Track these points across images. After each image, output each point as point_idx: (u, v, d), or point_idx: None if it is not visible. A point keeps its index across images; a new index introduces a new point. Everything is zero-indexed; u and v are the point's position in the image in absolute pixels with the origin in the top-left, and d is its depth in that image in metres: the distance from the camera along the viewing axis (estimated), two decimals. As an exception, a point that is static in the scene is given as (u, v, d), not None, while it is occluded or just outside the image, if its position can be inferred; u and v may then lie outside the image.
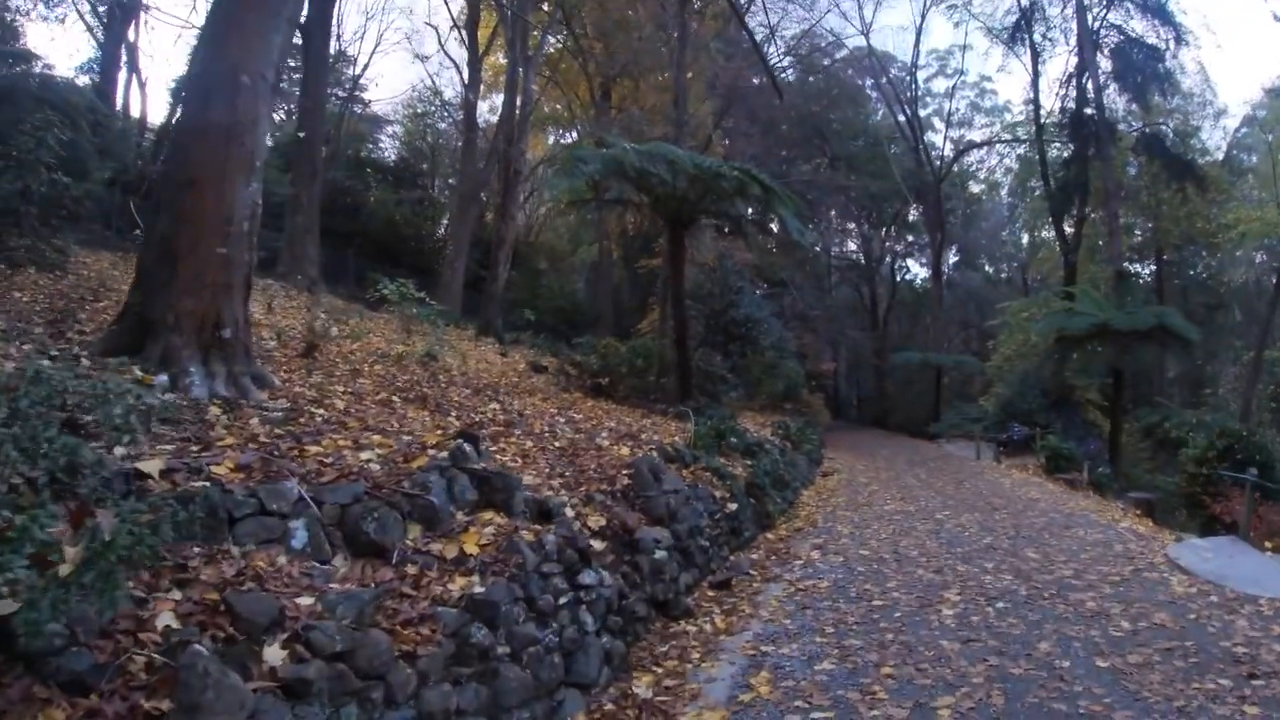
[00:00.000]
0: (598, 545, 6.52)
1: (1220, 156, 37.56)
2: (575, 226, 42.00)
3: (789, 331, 31.69)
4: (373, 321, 14.62)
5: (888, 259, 51.52)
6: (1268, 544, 10.31)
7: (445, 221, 35.39)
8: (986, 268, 56.75)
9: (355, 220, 28.33)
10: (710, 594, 8.18)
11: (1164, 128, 32.52)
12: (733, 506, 10.05)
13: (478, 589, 4.73)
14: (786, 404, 24.49)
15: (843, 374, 51.76)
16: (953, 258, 52.41)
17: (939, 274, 41.46)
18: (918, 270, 54.54)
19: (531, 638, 5.06)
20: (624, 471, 8.37)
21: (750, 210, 20.27)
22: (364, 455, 5.64)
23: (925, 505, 13.40)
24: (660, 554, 7.38)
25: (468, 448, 6.21)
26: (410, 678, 3.94)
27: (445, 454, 6.08)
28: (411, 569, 4.63)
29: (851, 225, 50.67)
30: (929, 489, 15.70)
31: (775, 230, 26.60)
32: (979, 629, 6.61)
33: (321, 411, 6.82)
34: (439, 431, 7.13)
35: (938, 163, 42.92)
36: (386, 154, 39.58)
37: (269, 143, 11.49)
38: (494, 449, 7.47)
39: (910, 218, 47.15)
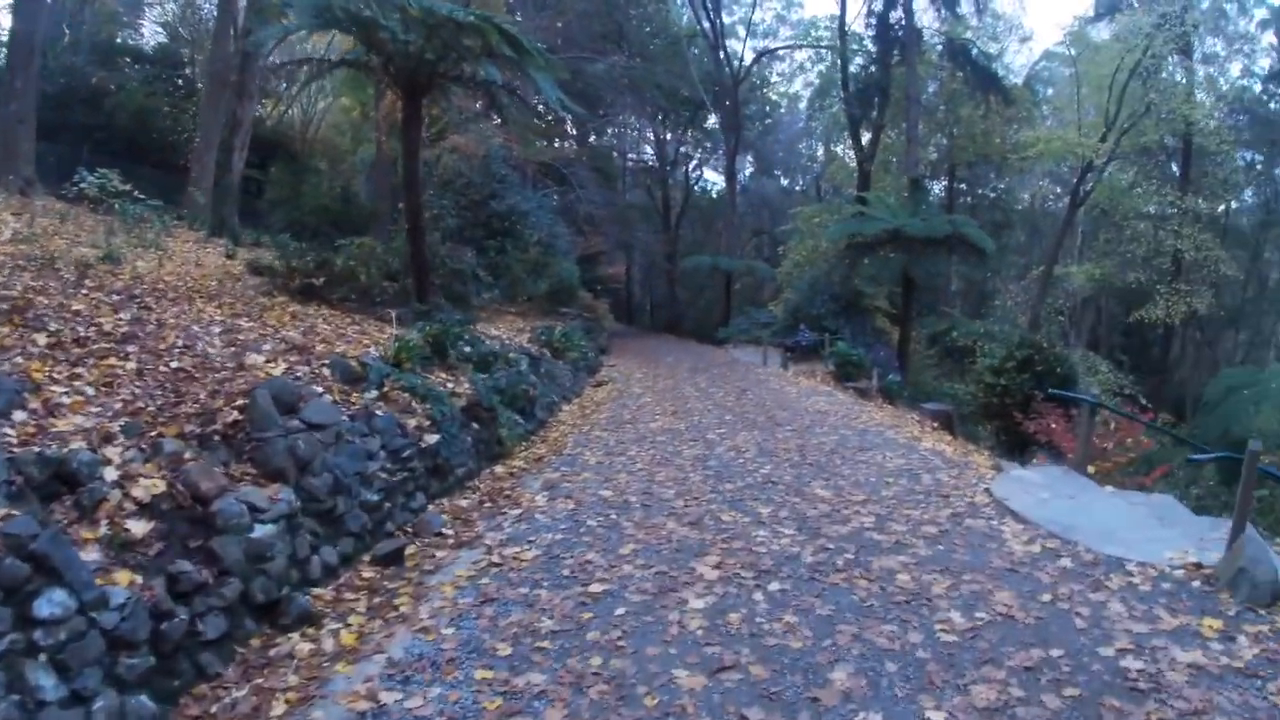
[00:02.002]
0: (138, 528, 4.03)
1: (1020, 82, 37.66)
2: (359, 122, 37.44)
3: (569, 230, 28.99)
4: (78, 224, 11.74)
5: (683, 164, 49.68)
6: (1091, 469, 8.68)
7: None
8: (782, 179, 56.26)
9: (98, 113, 24.10)
10: (366, 576, 5.37)
11: (971, 41, 31.78)
12: (433, 439, 7.17)
13: None
14: (562, 308, 21.84)
15: (636, 279, 49.76)
16: (749, 167, 51.46)
17: (733, 176, 39.77)
18: (714, 179, 53.30)
19: None
20: (235, 404, 5.35)
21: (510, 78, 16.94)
22: None
23: (699, 421, 11.14)
24: (264, 529, 4.64)
25: None
26: None
27: None
28: None
29: (649, 133, 48.28)
30: (707, 400, 13.51)
31: (542, 107, 23.36)
32: (739, 641, 4.17)
33: None
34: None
35: (737, 63, 41.07)
36: (146, 41, 33.36)
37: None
38: (63, 374, 5.19)
39: (708, 124, 45.44)
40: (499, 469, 8.39)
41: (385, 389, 7.25)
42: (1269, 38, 34.38)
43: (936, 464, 8.49)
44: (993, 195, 39.07)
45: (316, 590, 4.93)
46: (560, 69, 15.93)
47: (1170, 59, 27.39)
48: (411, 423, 7.02)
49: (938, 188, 37.52)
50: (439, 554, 5.75)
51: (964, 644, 4.10)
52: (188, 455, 4.68)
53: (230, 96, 20.52)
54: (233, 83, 20.54)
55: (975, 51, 30.99)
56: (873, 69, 31.09)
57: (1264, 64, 34.82)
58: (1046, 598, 4.73)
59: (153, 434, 4.78)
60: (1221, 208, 32.49)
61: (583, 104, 35.62)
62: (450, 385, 8.59)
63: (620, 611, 4.54)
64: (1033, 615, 4.48)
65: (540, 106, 21.16)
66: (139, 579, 3.78)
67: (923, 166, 32.61)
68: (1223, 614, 4.59)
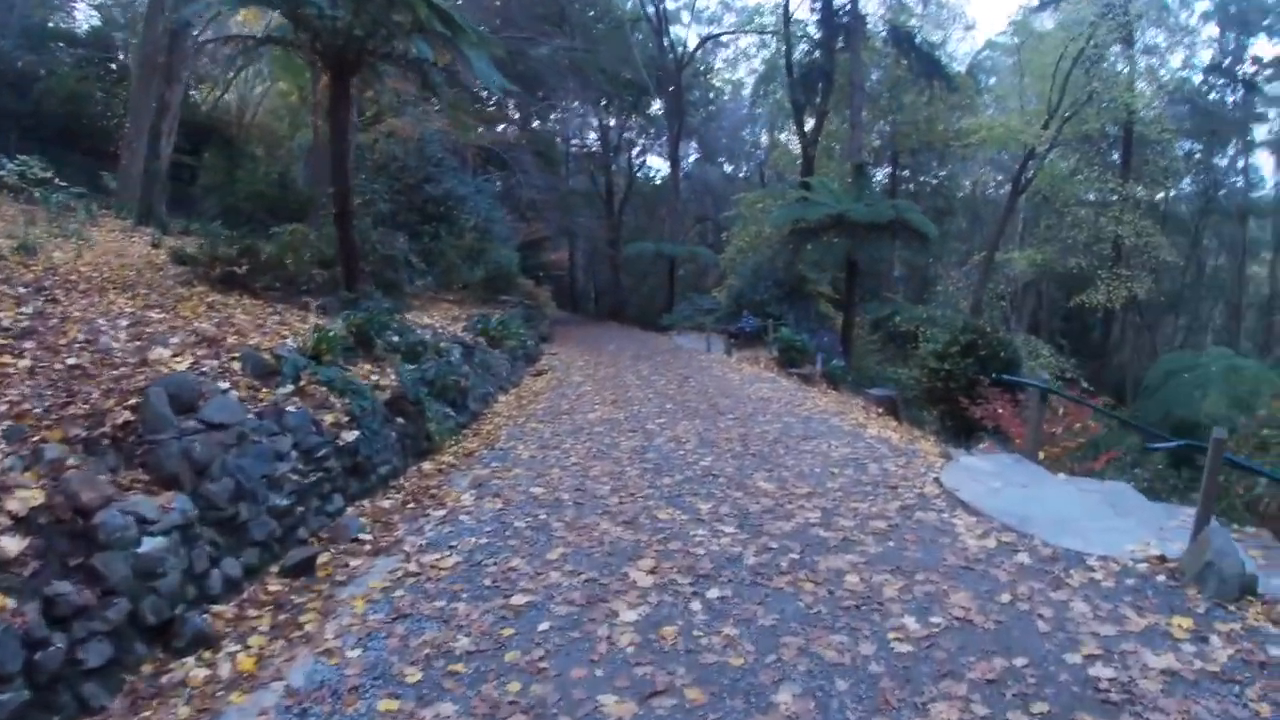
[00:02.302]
0: (12, 546, 3.54)
1: (963, 70, 37.78)
2: (296, 106, 36.21)
3: (511, 216, 28.33)
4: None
5: (626, 150, 49.10)
6: (1040, 454, 8.41)
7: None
8: (726, 166, 55.97)
9: (25, 99, 23.23)
10: (273, 590, 4.81)
11: (915, 28, 31.76)
12: (351, 436, 6.59)
13: None
14: (502, 295, 21.17)
15: (580, 266, 49.08)
16: (693, 153, 51.04)
17: (676, 162, 39.31)
18: (658, 165, 52.80)
19: None
20: (128, 404, 4.77)
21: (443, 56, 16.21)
22: None
23: (639, 411, 10.68)
24: (154, 543, 4.10)
25: None
26: None
27: None
28: None
29: (593, 118, 47.57)
30: (648, 388, 13.06)
31: (484, 92, 22.70)
32: (673, 660, 3.72)
33: None
34: None
35: (681, 49, 40.66)
36: (79, 24, 31.78)
37: None
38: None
39: (651, 110, 44.92)
40: (427, 465, 7.82)
41: (301, 383, 6.66)
42: (1210, 30, 35.16)
43: (883, 452, 8.13)
44: (935, 182, 39.19)
45: (217, 608, 4.39)
46: (495, 46, 15.31)
47: (1113, 49, 27.58)
48: (328, 419, 6.45)
49: (881, 174, 37.55)
50: (354, 562, 5.21)
51: (920, 654, 3.71)
52: (71, 462, 4.12)
53: (159, 80, 19.51)
54: (160, 65, 19.51)
55: (919, 38, 30.88)
56: (817, 55, 30.64)
57: (1205, 56, 35.56)
58: (1006, 598, 4.37)
59: (35, 439, 4.22)
60: (1161, 195, 32.91)
61: (525, 88, 34.92)
62: (375, 378, 8.02)
63: (544, 627, 4.07)
64: (992, 619, 4.11)
65: (481, 90, 20.54)
66: (11, 603, 3.27)
67: (866, 153, 32.51)
68: (1192, 611, 4.28)
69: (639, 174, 50.16)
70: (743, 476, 6.98)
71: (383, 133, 20.29)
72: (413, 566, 5.00)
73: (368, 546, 5.51)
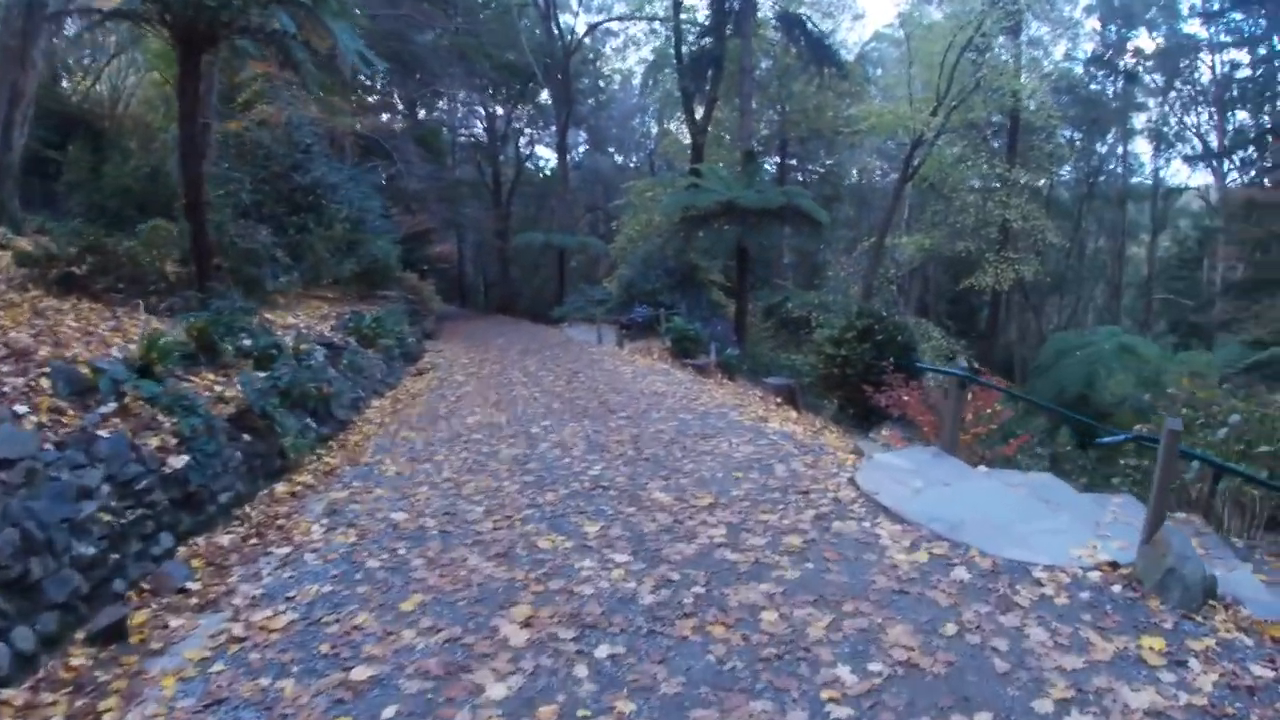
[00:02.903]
0: None
1: (852, 59, 38.01)
2: (171, 96, 33.67)
3: (394, 207, 26.92)
4: None
5: (514, 139, 47.86)
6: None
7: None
8: (616, 156, 55.40)
9: None
10: (76, 664, 3.74)
11: (805, 15, 31.52)
12: (180, 462, 5.45)
13: None
14: (381, 290, 19.84)
15: (469, 258, 47.42)
16: (583, 144, 50.33)
17: (564, 150, 38.33)
18: (547, 155, 51.78)
19: None
20: None
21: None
22: None
23: (523, 412, 9.73)
24: None
25: None
26: None
27: None
28: None
29: (479, 107, 46.16)
30: (535, 386, 12.12)
31: (364, 79, 21.27)
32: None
33: None
34: None
35: (570, 36, 39.69)
36: None
37: None
38: None
39: (540, 98, 43.87)
40: (280, 488, 6.68)
41: (125, 400, 5.51)
42: (1093, 23, 36.13)
43: (789, 450, 7.39)
44: (822, 170, 39.37)
45: (5, 693, 3.35)
46: (359, 19, 14.08)
47: (999, 39, 27.90)
48: (154, 443, 5.31)
49: (770, 164, 37.47)
50: (175, 622, 4.15)
51: (864, 718, 2.93)
52: None
53: (13, 66, 17.48)
54: (13, 49, 17.49)
55: (810, 24, 30.71)
56: (707, 41, 30.18)
57: (1088, 48, 36.52)
58: (951, 629, 3.65)
59: None
60: (1045, 181, 33.65)
61: (409, 74, 33.40)
62: (220, 389, 6.88)
63: (389, 714, 3.13)
64: (940, 660, 3.37)
65: (362, 77, 19.10)
66: None
67: (755, 141, 32.32)
68: (1160, 628, 3.72)
69: (527, 164, 49.09)
70: (636, 487, 6.14)
71: (254, 120, 18.67)
72: (239, 628, 3.98)
73: (194, 599, 4.45)
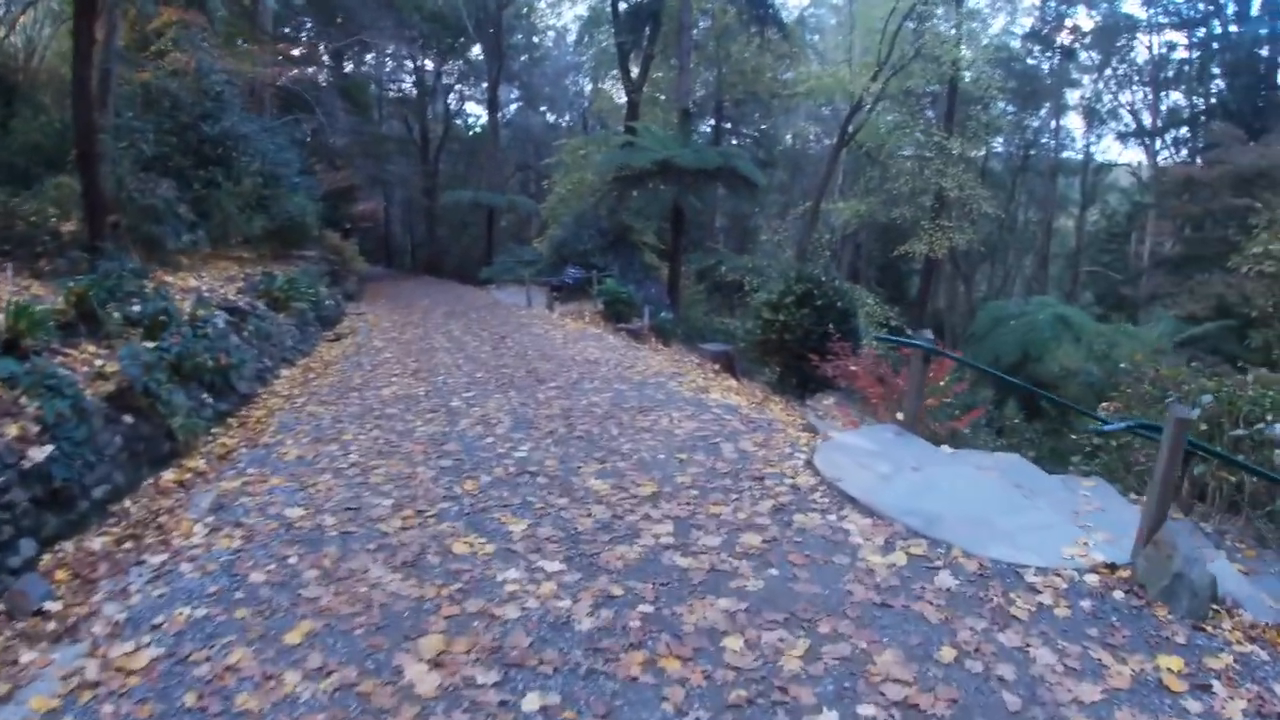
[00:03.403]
0: None
1: (791, 23, 37.61)
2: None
3: (317, 163, 25.62)
4: None
5: (444, 95, 46.23)
6: (900, 415, 7.36)
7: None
8: (549, 115, 54.19)
9: None
10: None
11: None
12: (41, 454, 4.55)
13: None
14: (299, 250, 18.64)
15: (396, 217, 45.90)
16: (515, 101, 48.95)
17: (495, 106, 37.04)
18: (477, 112, 50.21)
19: None
20: None
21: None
22: None
23: (444, 382, 8.93)
24: None
25: None
26: None
27: None
28: None
29: (408, 60, 44.40)
30: (459, 352, 11.31)
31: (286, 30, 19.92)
32: None
33: None
34: None
35: (503, -10, 38.31)
36: None
37: None
38: None
39: (471, 53, 42.41)
40: (167, 476, 5.74)
41: None
42: None
43: (735, 426, 6.77)
44: (757, 134, 38.96)
45: None
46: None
47: (940, 9, 27.76)
48: (11, 432, 4.42)
49: (705, 126, 36.94)
50: (25, 656, 3.33)
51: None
52: None
53: None
54: None
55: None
56: (644, -9, 29.32)
57: (1026, 22, 36.86)
58: (948, 654, 3.09)
59: None
60: (980, 152, 33.80)
61: (335, 25, 31.69)
62: (101, 363, 5.97)
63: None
64: (942, 698, 2.81)
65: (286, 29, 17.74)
66: None
67: (691, 103, 31.67)
68: (1173, 643, 3.28)
69: (457, 120, 47.65)
70: (568, 472, 5.44)
71: (166, 70, 17.17)
72: (93, 670, 3.18)
73: (53, 624, 3.63)
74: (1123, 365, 8.75)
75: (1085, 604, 3.57)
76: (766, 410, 8.20)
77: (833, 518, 4.53)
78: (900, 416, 7.45)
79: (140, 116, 16.07)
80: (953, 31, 28.53)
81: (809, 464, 5.51)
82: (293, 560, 4.12)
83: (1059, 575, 3.82)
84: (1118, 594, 3.68)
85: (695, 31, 31.10)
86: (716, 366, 12.36)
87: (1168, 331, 15.98)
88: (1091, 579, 3.80)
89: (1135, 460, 6.31)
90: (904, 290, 34.12)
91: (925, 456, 5.57)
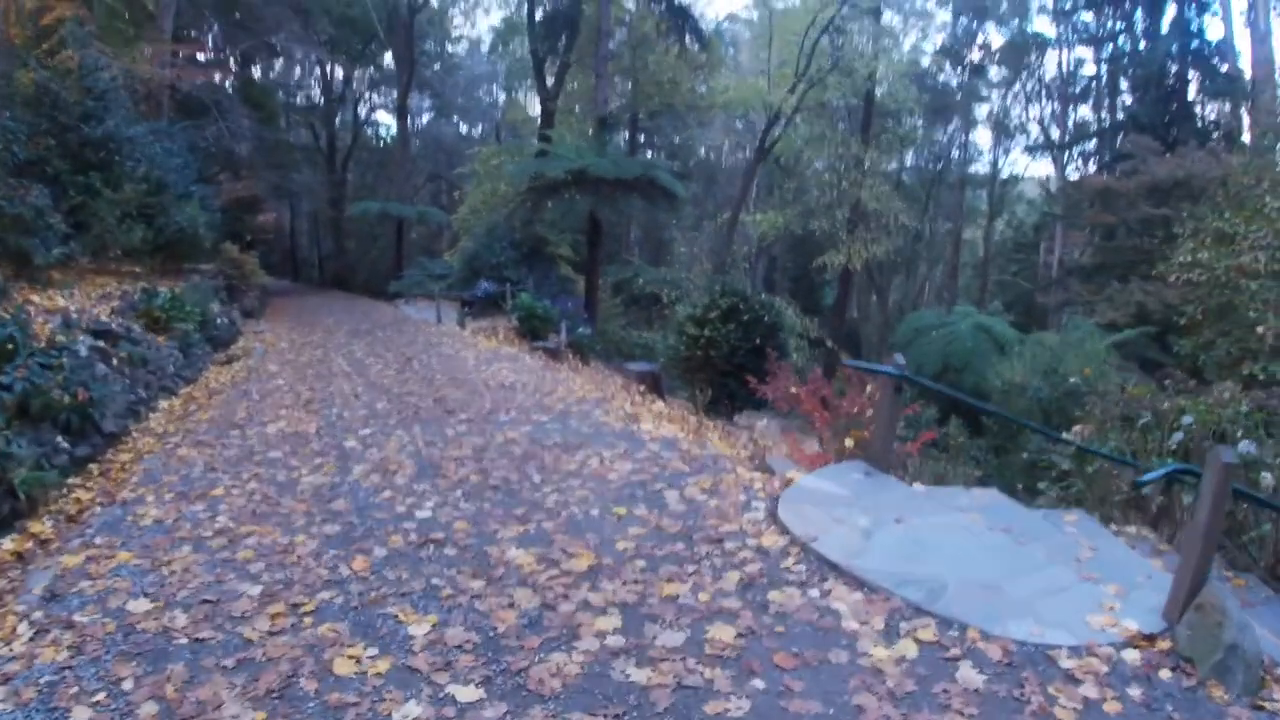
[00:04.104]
0: None
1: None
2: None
3: (219, 172, 24.22)
4: None
5: (352, 103, 44.72)
6: (849, 441, 6.72)
7: None
8: (462, 126, 53.22)
9: None
10: None
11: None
12: None
13: None
14: (191, 264, 17.23)
15: (302, 230, 44.29)
16: (426, 111, 48.11)
17: (405, 113, 35.85)
18: (388, 121, 49.02)
19: None
20: None
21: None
22: None
23: (340, 416, 7.93)
24: None
25: None
26: None
27: None
28: None
29: (316, 66, 42.79)
30: (361, 377, 10.29)
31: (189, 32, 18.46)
32: None
33: None
34: None
35: (415, -4, 37.29)
36: None
37: None
38: None
39: (382, 60, 41.24)
40: (6, 545, 4.60)
41: None
42: (944, 16, 37.31)
43: (677, 465, 5.95)
44: (673, 145, 38.82)
45: None
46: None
47: (856, 24, 28.21)
48: None
49: (621, 138, 36.64)
50: None
51: None
52: None
53: None
54: None
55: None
56: (562, 1, 28.71)
57: (938, 39, 37.92)
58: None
59: None
60: (894, 165, 34.28)
61: (240, 27, 30.13)
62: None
63: None
64: None
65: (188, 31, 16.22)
66: None
67: (609, 112, 31.25)
68: None
69: (366, 129, 46.35)
70: (483, 540, 4.50)
71: (57, 69, 15.60)
72: None
73: None
74: (1073, 380, 8.27)
75: (1134, 692, 2.91)
76: (707, 443, 7.44)
77: (815, 593, 3.74)
78: (849, 444, 6.84)
79: (19, 117, 14.50)
80: (869, 45, 28.78)
81: (772, 517, 4.71)
82: (128, 685, 3.06)
83: (1095, 655, 3.15)
84: (1164, 673, 3.05)
85: (612, 43, 30.68)
86: (642, 388, 11.62)
87: (1085, 336, 15.90)
88: (1131, 656, 3.15)
89: (1115, 488, 5.75)
90: (817, 301, 34.43)
91: (904, 503, 4.82)
